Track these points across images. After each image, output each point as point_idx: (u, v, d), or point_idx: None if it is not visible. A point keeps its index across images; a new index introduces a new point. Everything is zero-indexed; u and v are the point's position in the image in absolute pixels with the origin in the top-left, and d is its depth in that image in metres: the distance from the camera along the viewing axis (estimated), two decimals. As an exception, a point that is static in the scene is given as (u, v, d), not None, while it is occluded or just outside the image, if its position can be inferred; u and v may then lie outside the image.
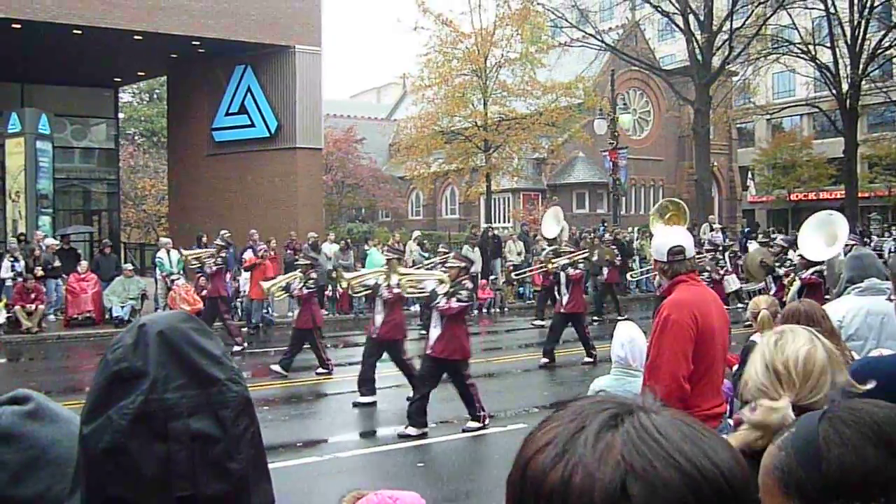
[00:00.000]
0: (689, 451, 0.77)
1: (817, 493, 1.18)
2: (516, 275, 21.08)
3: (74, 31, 21.28)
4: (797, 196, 41.02)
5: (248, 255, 18.19)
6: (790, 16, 29.70)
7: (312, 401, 11.15)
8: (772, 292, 15.27)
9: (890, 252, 24.06)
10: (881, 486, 1.19)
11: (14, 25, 20.33)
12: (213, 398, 1.05)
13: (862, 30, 28.99)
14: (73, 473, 1.12)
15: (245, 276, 18.30)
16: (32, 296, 17.21)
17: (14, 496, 1.17)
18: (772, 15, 29.05)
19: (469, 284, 9.36)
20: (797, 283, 10.84)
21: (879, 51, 29.01)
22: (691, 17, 28.51)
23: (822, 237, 9.80)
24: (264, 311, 18.27)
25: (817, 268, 10.16)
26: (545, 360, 13.12)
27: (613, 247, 21.16)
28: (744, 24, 28.95)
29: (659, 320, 4.01)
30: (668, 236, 4.29)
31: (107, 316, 18.00)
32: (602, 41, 30.42)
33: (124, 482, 1.00)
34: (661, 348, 3.94)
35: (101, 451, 1.00)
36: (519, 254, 23.54)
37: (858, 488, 1.19)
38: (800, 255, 10.62)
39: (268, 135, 25.11)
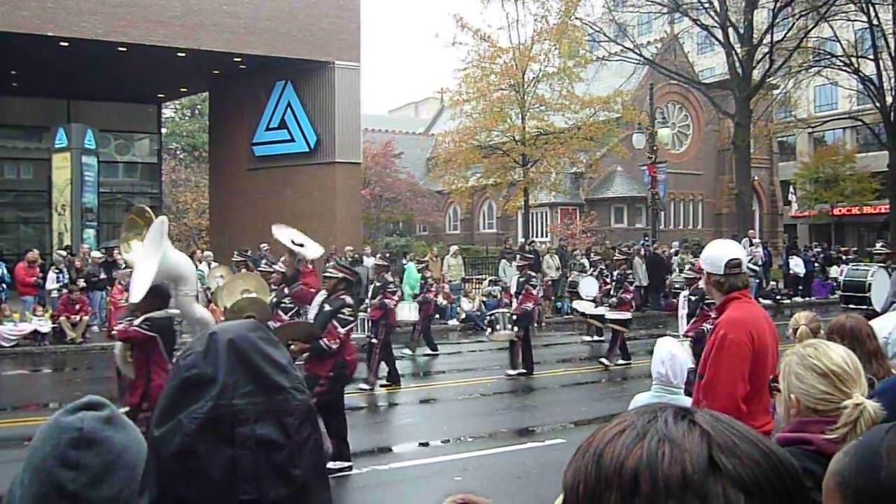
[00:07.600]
0: (760, 436, 0.82)
1: (873, 502, 1.18)
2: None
3: (119, 49, 21.77)
4: (840, 211, 40.38)
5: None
6: (832, 28, 29.33)
7: (347, 414, 11.18)
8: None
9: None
10: None
11: (62, 43, 20.85)
12: (278, 405, 1.08)
13: (906, 42, 28.56)
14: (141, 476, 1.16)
15: None
16: (77, 307, 17.54)
17: (92, 497, 1.23)
18: (813, 27, 28.60)
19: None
20: None
21: (924, 63, 28.51)
22: (731, 30, 28.20)
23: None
24: None
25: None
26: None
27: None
28: (784, 36, 28.52)
29: (715, 339, 3.92)
30: (724, 249, 4.23)
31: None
32: (640, 55, 30.25)
33: (192, 483, 1.04)
34: (718, 368, 3.85)
35: (171, 453, 1.04)
36: (557, 269, 23.54)
37: None
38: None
39: (307, 149, 25.37)
